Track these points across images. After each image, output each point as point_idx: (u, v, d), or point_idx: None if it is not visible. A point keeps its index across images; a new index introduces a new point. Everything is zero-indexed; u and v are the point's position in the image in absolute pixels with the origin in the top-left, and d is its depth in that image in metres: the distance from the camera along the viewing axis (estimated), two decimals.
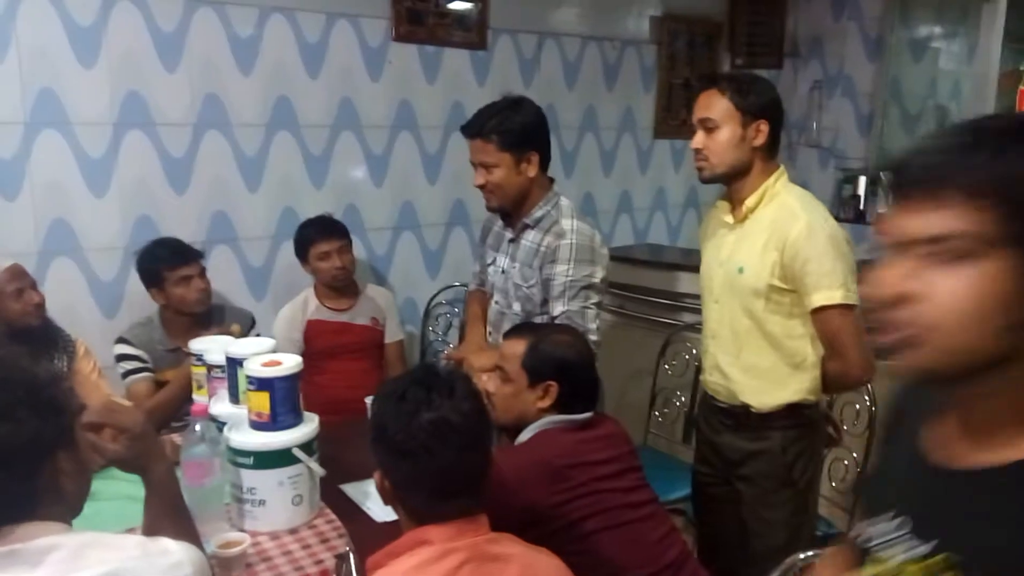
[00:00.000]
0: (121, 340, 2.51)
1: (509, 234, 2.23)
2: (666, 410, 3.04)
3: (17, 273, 2.15)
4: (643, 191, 4.21)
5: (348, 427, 2.48)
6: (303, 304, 2.83)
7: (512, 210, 2.16)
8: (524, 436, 1.66)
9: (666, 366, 3.04)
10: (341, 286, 2.81)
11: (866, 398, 2.33)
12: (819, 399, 1.95)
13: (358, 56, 3.16)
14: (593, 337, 2.02)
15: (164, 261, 2.48)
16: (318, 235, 2.76)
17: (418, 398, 1.25)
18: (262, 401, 1.66)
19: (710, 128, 1.87)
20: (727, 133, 1.86)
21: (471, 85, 3.47)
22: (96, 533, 1.02)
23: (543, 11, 3.65)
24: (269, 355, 1.76)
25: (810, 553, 1.56)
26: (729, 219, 1.97)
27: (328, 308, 2.83)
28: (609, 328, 3.62)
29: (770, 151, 1.92)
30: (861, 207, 4.38)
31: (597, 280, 2.10)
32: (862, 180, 4.37)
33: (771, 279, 1.85)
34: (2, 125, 2.52)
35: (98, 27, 2.62)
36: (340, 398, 2.62)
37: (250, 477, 1.64)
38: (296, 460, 1.66)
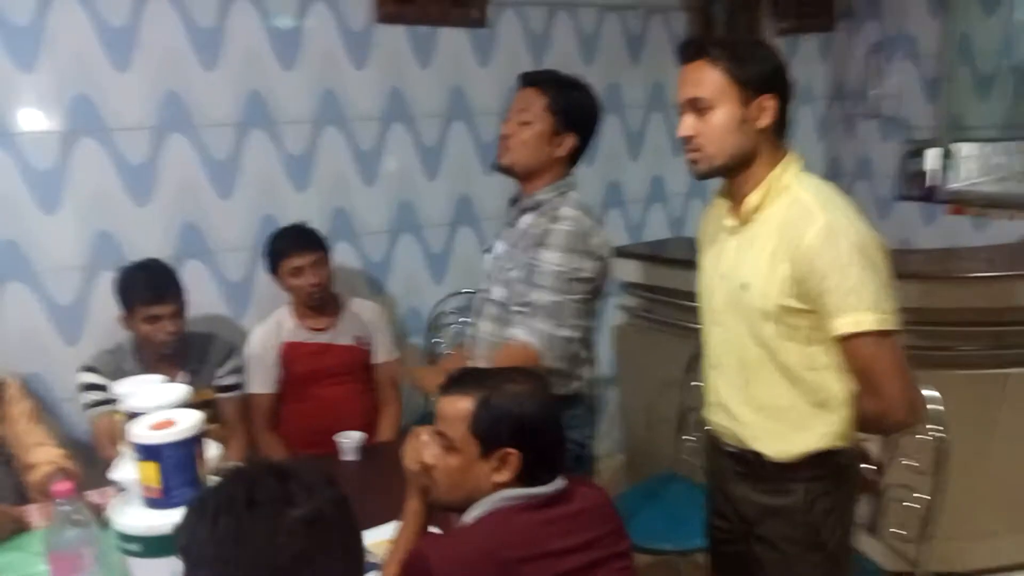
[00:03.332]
0: (86, 368, 2.28)
1: (509, 218, 2.04)
2: (697, 433, 2.64)
3: None
4: (677, 176, 3.77)
5: (326, 465, 2.22)
6: (277, 325, 2.54)
7: (521, 177, 1.99)
8: (470, 515, 1.32)
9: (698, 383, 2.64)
10: (317, 304, 2.51)
11: (930, 428, 1.91)
12: (852, 443, 1.56)
13: (338, 42, 2.85)
14: (566, 332, 1.87)
15: (136, 294, 2.22)
16: (289, 248, 2.47)
17: (272, 496, 0.93)
18: (150, 473, 1.37)
19: (702, 109, 1.49)
20: (724, 114, 1.47)
21: (471, 67, 3.11)
22: None
23: None
24: (168, 412, 1.46)
25: None
26: (729, 221, 1.58)
27: (306, 328, 2.54)
28: (637, 334, 3.25)
29: (778, 133, 1.52)
30: (929, 183, 3.87)
31: (585, 275, 1.89)
32: (930, 153, 3.85)
33: (782, 298, 1.46)
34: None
35: (37, 27, 2.37)
36: (322, 428, 2.37)
37: (140, 569, 1.35)
38: None
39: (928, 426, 1.89)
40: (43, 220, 2.45)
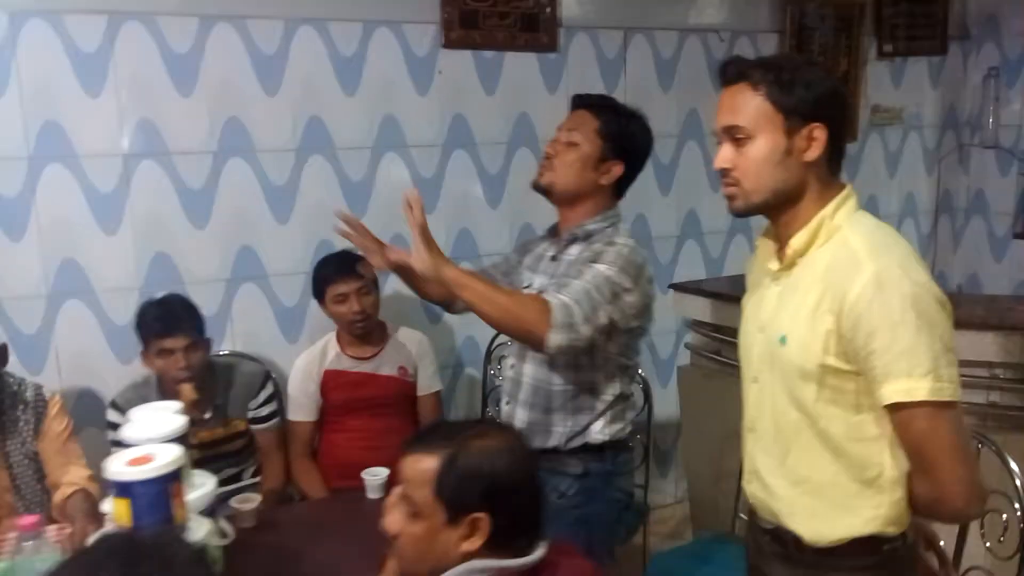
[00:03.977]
0: (112, 405, 2.29)
1: (551, 251, 1.90)
2: None
3: None
4: None
5: (351, 501, 2.14)
6: (322, 352, 2.49)
7: (559, 201, 1.87)
8: None
9: None
10: (361, 333, 2.45)
11: (1016, 505, 1.64)
12: (907, 529, 1.33)
13: (402, 67, 2.80)
14: (585, 332, 1.65)
15: (148, 327, 2.21)
16: (333, 274, 2.42)
17: None
18: (122, 510, 1.31)
19: (740, 139, 1.32)
20: (765, 145, 1.30)
21: (539, 93, 3.01)
22: None
23: (628, 2, 3.13)
24: (150, 447, 1.40)
25: None
26: (773, 265, 1.39)
27: (349, 356, 2.48)
28: (704, 377, 3.03)
29: (830, 167, 1.33)
30: None
31: (630, 298, 1.74)
32: None
33: (825, 356, 1.26)
34: (5, 161, 2.38)
35: (104, 52, 2.43)
36: (358, 461, 2.28)
37: None
38: None
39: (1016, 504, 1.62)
40: (104, 241, 2.51)
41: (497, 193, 3.00)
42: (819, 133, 1.28)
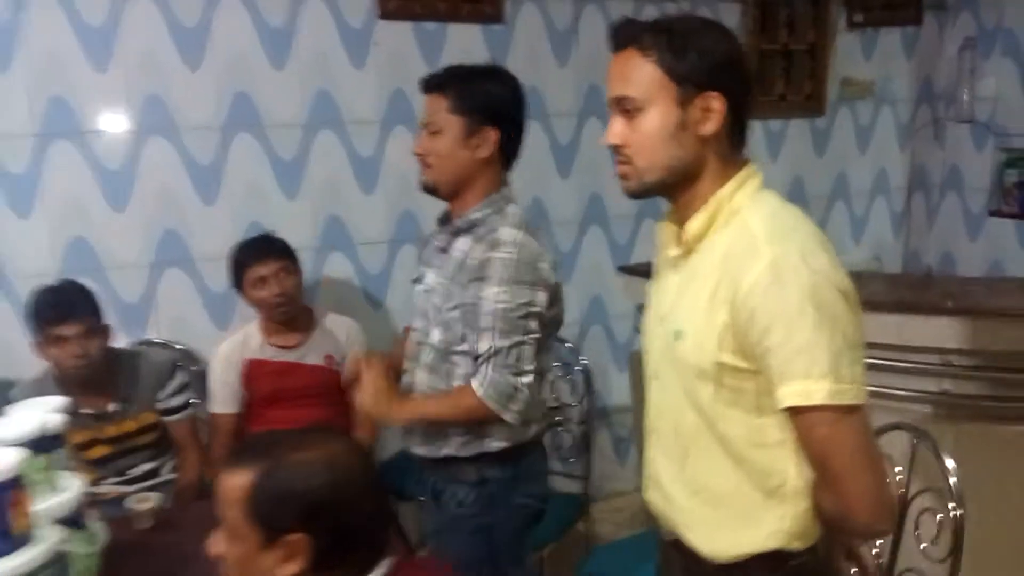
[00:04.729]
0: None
1: (441, 242, 1.76)
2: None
3: None
4: None
5: None
6: (243, 340, 2.35)
7: (448, 195, 1.73)
8: None
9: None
10: (284, 318, 2.32)
11: (951, 506, 1.51)
12: (817, 542, 1.21)
13: (336, 39, 2.66)
14: (525, 380, 1.63)
15: (41, 313, 2.05)
16: (251, 257, 2.28)
17: None
18: None
19: (631, 111, 1.18)
20: (657, 117, 1.16)
21: None
22: None
23: None
24: None
25: None
26: (673, 251, 1.26)
27: (272, 345, 2.35)
28: None
29: (731, 142, 1.20)
30: None
31: (537, 308, 1.64)
32: None
33: (721, 353, 1.13)
34: (11, 138, 2.31)
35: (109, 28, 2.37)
36: None
37: None
38: None
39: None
40: (112, 218, 2.45)
41: None
42: (716, 104, 1.15)
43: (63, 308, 2.03)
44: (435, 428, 1.72)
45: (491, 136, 1.67)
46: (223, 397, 2.34)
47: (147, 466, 2.21)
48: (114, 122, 2.43)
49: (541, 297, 1.64)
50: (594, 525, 2.81)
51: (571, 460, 2.52)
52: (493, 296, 1.60)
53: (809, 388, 1.05)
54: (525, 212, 1.75)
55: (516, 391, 1.61)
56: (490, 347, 1.60)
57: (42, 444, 1.41)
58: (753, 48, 3.29)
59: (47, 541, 1.26)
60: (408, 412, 1.74)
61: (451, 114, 1.65)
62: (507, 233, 1.64)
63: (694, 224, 1.20)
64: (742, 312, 1.10)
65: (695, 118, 1.15)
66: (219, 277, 2.54)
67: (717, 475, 1.21)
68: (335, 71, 2.67)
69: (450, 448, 1.71)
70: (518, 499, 1.77)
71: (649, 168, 1.19)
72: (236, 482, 1.02)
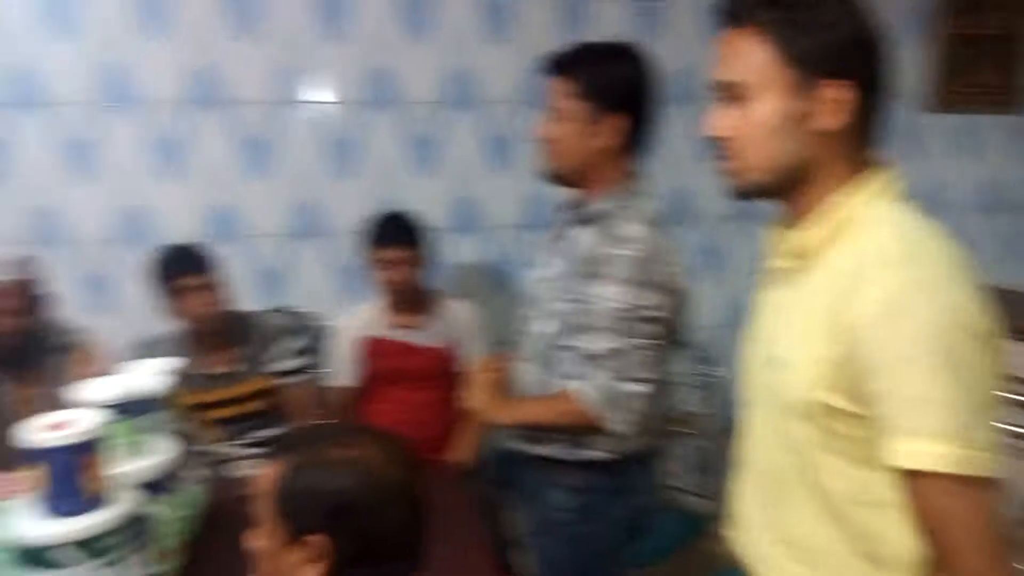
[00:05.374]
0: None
1: (559, 230, 1.67)
2: None
3: None
4: (912, 187, 3.04)
5: None
6: (365, 317, 2.36)
7: (571, 184, 1.62)
8: None
9: None
10: (402, 299, 2.30)
11: None
12: None
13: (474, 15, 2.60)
14: (635, 388, 1.50)
15: (168, 267, 2.14)
16: (379, 240, 2.25)
17: None
18: (31, 476, 1.24)
19: (737, 99, 1.02)
20: (767, 107, 0.99)
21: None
22: None
23: None
24: (73, 412, 1.31)
25: None
26: (784, 262, 1.08)
27: (393, 325, 2.33)
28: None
29: (860, 140, 1.00)
30: None
31: (657, 312, 1.51)
32: None
33: (823, 391, 0.96)
34: (70, 105, 2.43)
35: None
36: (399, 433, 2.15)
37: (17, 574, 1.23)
38: (73, 563, 1.21)
39: None
40: (162, 190, 2.52)
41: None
42: (841, 94, 0.96)
43: (185, 261, 2.13)
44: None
45: (618, 124, 1.54)
46: (343, 370, 2.36)
47: (265, 432, 2.27)
48: (260, 92, 2.50)
49: (663, 300, 1.50)
50: (719, 546, 2.62)
51: (697, 475, 2.35)
52: (609, 295, 1.48)
53: (920, 449, 0.86)
54: (662, 204, 1.61)
55: (623, 399, 1.49)
56: (600, 349, 1.49)
57: (130, 407, 1.45)
58: (946, 30, 2.91)
59: (122, 504, 1.29)
60: (509, 415, 1.67)
61: (575, 99, 1.53)
62: (633, 229, 1.50)
63: (808, 235, 1.02)
64: (849, 346, 0.92)
65: (814, 109, 0.97)
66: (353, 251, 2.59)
67: (808, 529, 1.03)
68: (478, 48, 2.61)
69: (549, 449, 1.62)
70: (618, 512, 1.65)
71: (754, 166, 1.02)
72: (271, 474, 0.98)
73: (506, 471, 2.13)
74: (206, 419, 2.16)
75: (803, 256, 1.03)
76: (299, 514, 0.95)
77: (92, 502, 1.25)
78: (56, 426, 1.24)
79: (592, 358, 1.50)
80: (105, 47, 2.40)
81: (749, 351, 1.15)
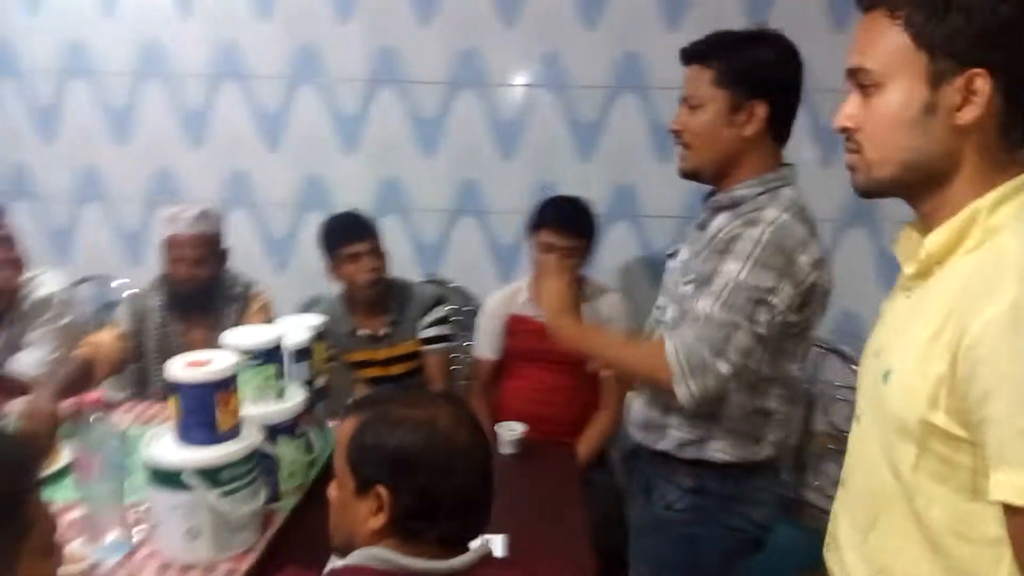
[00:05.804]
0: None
1: (700, 218, 1.59)
2: None
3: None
4: None
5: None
6: (512, 294, 2.41)
7: (711, 180, 1.55)
8: (330, 565, 1.07)
9: None
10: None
11: None
12: None
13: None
14: (723, 369, 1.37)
15: (337, 235, 2.31)
16: (548, 223, 2.23)
17: None
18: (173, 408, 1.38)
19: (867, 87, 0.94)
20: (897, 97, 0.91)
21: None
22: None
23: None
24: (212, 352, 1.44)
25: None
26: (908, 268, 0.99)
27: (537, 304, 2.35)
28: None
29: (1005, 137, 0.89)
30: None
31: (774, 299, 1.39)
32: None
33: (931, 410, 0.86)
34: (266, 80, 2.66)
35: None
36: (526, 411, 2.24)
37: (150, 492, 1.39)
38: (197, 488, 1.34)
39: None
40: (266, 158, 2.73)
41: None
42: (982, 84, 0.86)
43: (355, 228, 2.29)
44: (656, 418, 1.60)
45: (759, 111, 1.45)
46: (486, 344, 2.42)
47: None
48: (436, 74, 2.61)
49: (785, 290, 1.39)
50: None
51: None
52: (729, 270, 1.39)
53: None
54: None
55: (701, 368, 1.37)
56: (699, 310, 1.39)
57: (272, 355, 1.57)
58: None
59: (249, 441, 1.40)
60: (580, 333, 1.60)
61: (715, 87, 1.46)
62: (771, 213, 1.42)
63: (935, 238, 0.92)
64: (963, 365, 0.82)
65: (951, 101, 0.87)
66: (509, 230, 2.64)
67: (905, 560, 0.94)
68: (566, 30, 2.59)
69: (668, 444, 1.58)
70: (734, 520, 1.58)
71: (880, 161, 0.94)
72: (345, 428, 1.04)
73: (630, 464, 2.10)
74: (355, 377, 2.31)
75: (927, 262, 0.93)
76: (365, 464, 1.00)
77: (220, 435, 1.37)
78: (197, 364, 1.38)
79: (689, 317, 1.41)
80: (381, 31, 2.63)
81: (866, 361, 1.06)
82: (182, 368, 1.36)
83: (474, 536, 1.02)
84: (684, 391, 1.38)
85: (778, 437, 1.55)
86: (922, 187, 0.93)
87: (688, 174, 1.55)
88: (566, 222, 2.24)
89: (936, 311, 0.89)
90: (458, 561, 0.98)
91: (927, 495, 0.90)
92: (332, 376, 1.88)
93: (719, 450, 1.52)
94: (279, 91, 2.67)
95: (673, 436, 1.55)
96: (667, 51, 2.43)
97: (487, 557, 1.01)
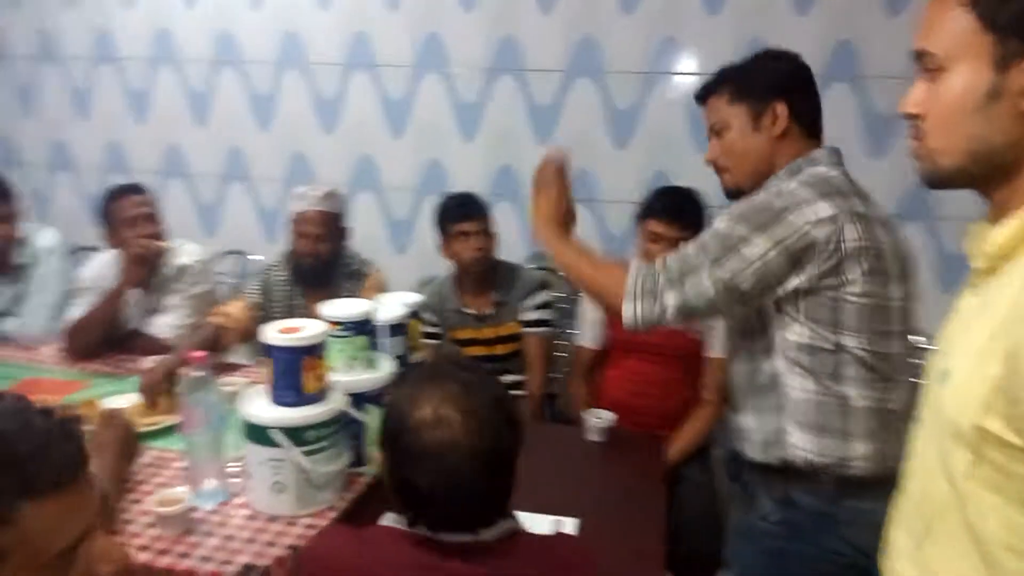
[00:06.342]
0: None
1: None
2: None
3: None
4: None
5: (573, 437, 2.03)
6: None
7: (756, 188, 1.52)
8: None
9: None
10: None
11: None
12: None
13: None
14: (669, 300, 1.38)
15: (449, 213, 2.40)
16: (655, 213, 2.21)
17: None
18: (265, 370, 1.49)
19: (932, 71, 0.89)
20: (961, 81, 0.85)
21: None
22: None
23: None
24: (305, 321, 1.54)
25: None
26: (976, 263, 0.92)
27: None
28: None
29: None
30: None
31: (748, 250, 1.35)
32: None
33: (985, 415, 0.81)
34: (393, 68, 2.79)
35: None
36: (624, 401, 2.25)
37: (246, 445, 1.51)
38: (283, 445, 1.45)
39: None
40: (391, 144, 2.86)
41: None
42: None
43: (466, 207, 2.38)
44: (736, 420, 1.57)
45: (780, 109, 1.48)
46: (588, 332, 2.43)
47: (511, 378, 2.44)
48: (554, 63, 2.64)
49: (758, 243, 1.34)
50: None
51: None
52: (715, 224, 1.41)
53: None
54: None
55: (655, 297, 1.39)
56: (681, 250, 1.41)
57: (365, 327, 1.66)
58: None
59: (334, 406, 1.50)
60: (559, 243, 1.58)
61: (732, 105, 1.52)
62: (786, 184, 1.42)
63: (1001, 232, 0.86)
64: (1020, 370, 0.77)
65: (1018, 85, 0.82)
66: (621, 219, 2.64)
67: (956, 572, 0.89)
68: (686, 15, 2.54)
69: (752, 449, 1.53)
70: (833, 543, 1.47)
71: (944, 149, 0.88)
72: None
73: (731, 466, 2.04)
74: (465, 354, 2.40)
75: (992, 257, 0.87)
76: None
77: (306, 397, 1.47)
78: (289, 330, 1.48)
79: (670, 256, 1.42)
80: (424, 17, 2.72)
81: (929, 362, 1.00)
82: (274, 334, 1.47)
83: (472, 526, 1.02)
84: (629, 310, 1.42)
85: (860, 450, 1.44)
86: (990, 178, 0.87)
87: (732, 193, 1.54)
88: (675, 213, 2.21)
89: (997, 309, 0.83)
90: (488, 534, 1.01)
91: (981, 505, 0.84)
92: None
93: (796, 445, 1.45)
94: (403, 80, 2.79)
95: (752, 437, 1.51)
96: (700, 37, 2.37)
97: (517, 533, 1.03)
